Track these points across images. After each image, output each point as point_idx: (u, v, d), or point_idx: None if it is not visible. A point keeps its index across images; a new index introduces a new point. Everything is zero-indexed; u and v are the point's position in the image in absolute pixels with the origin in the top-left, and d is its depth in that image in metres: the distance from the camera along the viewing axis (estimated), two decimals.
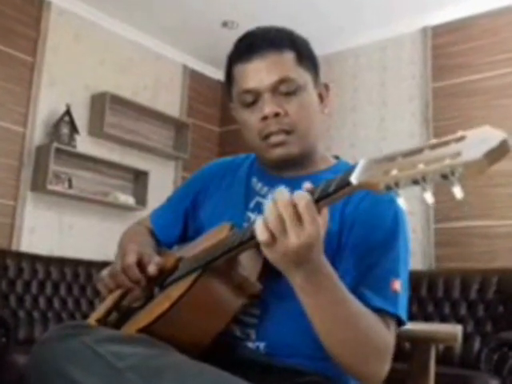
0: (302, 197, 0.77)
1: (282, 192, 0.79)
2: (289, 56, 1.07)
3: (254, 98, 1.07)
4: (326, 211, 0.81)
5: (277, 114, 1.05)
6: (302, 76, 1.08)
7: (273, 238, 0.79)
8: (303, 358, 0.99)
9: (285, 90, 1.06)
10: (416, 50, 4.17)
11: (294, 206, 0.77)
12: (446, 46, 4.02)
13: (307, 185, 0.80)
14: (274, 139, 1.06)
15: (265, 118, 1.05)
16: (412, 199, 3.30)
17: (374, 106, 4.30)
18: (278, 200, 0.78)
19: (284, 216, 0.77)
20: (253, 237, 0.84)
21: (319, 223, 0.78)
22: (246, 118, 1.09)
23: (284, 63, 1.06)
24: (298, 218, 0.77)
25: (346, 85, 4.45)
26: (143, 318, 0.95)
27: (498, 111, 3.69)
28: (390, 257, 0.99)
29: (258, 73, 1.06)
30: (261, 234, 0.79)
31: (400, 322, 1.00)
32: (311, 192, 0.79)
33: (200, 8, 4.14)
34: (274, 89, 1.06)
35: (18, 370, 2.73)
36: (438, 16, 4.03)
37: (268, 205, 0.79)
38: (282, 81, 1.05)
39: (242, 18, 4.18)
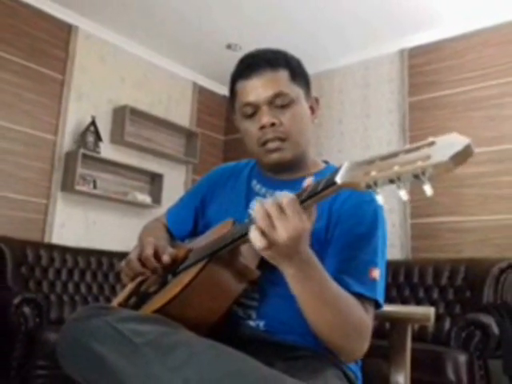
0: (285, 195, 0.77)
1: (268, 197, 0.79)
2: (283, 74, 1.07)
3: (253, 110, 1.07)
4: (313, 209, 0.80)
5: (273, 124, 1.05)
6: (295, 91, 1.08)
7: (263, 235, 0.77)
8: (297, 335, 0.99)
9: (280, 103, 1.06)
10: (394, 69, 4.16)
11: (278, 204, 0.76)
12: (420, 66, 4.02)
13: (309, 179, 0.80)
14: (271, 145, 1.06)
15: (262, 127, 1.05)
16: (391, 198, 3.30)
17: (358, 117, 4.30)
18: (264, 201, 0.77)
19: (270, 212, 0.76)
20: None
21: (303, 217, 0.77)
22: (247, 127, 1.09)
23: (279, 80, 1.06)
24: (282, 212, 0.76)
25: (334, 99, 4.44)
26: (158, 301, 0.95)
27: (465, 122, 3.68)
28: (369, 249, 0.99)
29: (257, 88, 1.06)
30: (254, 238, 0.77)
31: (378, 305, 0.99)
32: (307, 188, 0.78)
33: (208, 32, 4.14)
34: (270, 102, 1.06)
35: (50, 345, 2.73)
36: (414, 39, 4.03)
37: (255, 207, 0.78)
38: (277, 95, 1.05)
39: (245, 42, 4.17)
